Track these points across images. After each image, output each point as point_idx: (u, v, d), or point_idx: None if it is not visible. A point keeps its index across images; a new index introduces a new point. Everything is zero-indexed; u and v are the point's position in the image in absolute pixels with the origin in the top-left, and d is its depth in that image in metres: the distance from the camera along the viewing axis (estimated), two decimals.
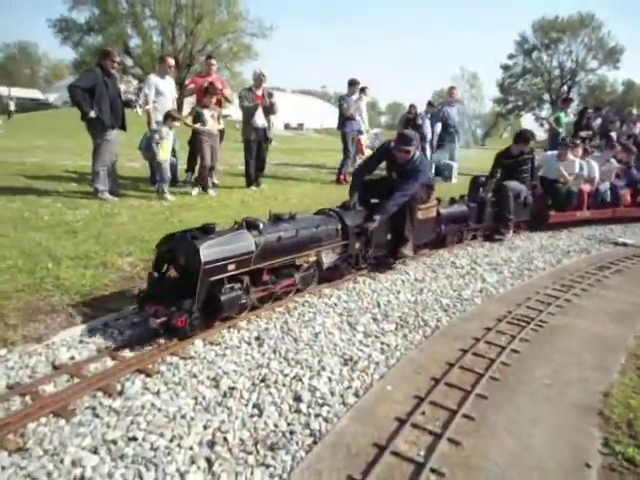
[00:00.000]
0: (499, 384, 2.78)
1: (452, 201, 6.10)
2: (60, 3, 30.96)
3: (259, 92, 7.53)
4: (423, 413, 2.44)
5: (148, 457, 2.02)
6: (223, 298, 3.03)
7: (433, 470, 2.02)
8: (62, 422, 2.21)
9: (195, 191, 7.11)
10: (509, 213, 6.53)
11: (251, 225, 3.36)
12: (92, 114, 5.93)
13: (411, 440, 2.24)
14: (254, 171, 7.91)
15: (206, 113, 6.89)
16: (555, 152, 8.03)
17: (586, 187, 7.93)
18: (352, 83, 9.01)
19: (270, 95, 7.54)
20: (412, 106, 10.24)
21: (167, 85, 7.13)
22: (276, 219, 3.65)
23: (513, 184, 6.64)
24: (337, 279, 4.23)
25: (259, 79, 7.52)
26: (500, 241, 6.41)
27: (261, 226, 3.37)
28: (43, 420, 2.22)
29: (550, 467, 2.11)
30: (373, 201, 4.76)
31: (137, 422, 2.24)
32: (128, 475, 1.92)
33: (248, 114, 7.52)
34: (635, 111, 11.52)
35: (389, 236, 4.74)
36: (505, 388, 2.75)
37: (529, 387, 2.78)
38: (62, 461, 1.97)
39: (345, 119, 9.04)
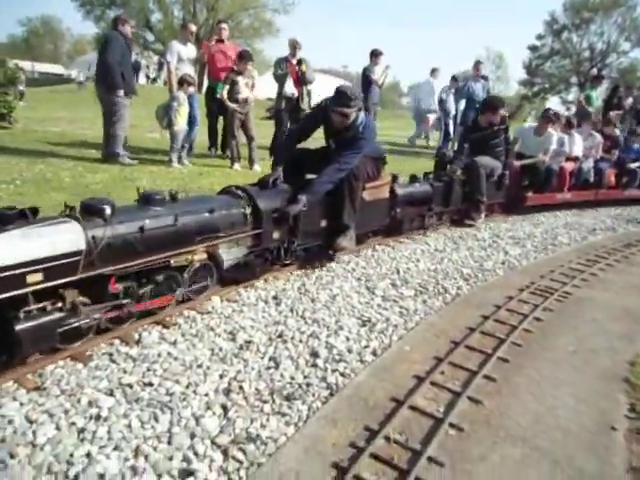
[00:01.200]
0: (521, 350, 2.70)
1: (413, 179, 5.01)
2: None
3: (293, 61, 7.35)
4: (442, 373, 2.38)
5: (164, 401, 2.01)
6: (19, 328, 2.00)
7: (452, 425, 1.97)
8: (80, 366, 2.22)
9: (237, 165, 6.95)
10: (481, 194, 5.56)
11: (91, 210, 2.36)
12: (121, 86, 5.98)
13: (430, 397, 2.18)
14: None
15: (240, 80, 6.68)
16: (533, 124, 7.17)
17: (568, 165, 7.03)
18: (376, 54, 8.79)
19: (299, 63, 7.26)
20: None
21: (189, 52, 7.04)
22: (146, 201, 2.65)
23: (485, 160, 5.65)
24: (249, 280, 3.27)
25: (293, 47, 7.32)
26: (471, 226, 5.50)
27: (107, 212, 2.36)
28: (61, 363, 2.22)
29: (574, 429, 2.04)
30: (309, 177, 3.68)
31: (153, 369, 2.23)
32: (143, 417, 1.91)
33: (279, 83, 7.39)
34: None
35: (323, 222, 3.67)
36: (528, 353, 2.67)
37: (553, 353, 2.70)
38: (79, 401, 1.97)
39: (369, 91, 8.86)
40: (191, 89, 6.53)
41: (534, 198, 6.57)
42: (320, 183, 3.49)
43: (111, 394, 2.04)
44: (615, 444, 1.96)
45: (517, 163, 6.51)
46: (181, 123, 6.41)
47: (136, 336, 2.50)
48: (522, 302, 3.38)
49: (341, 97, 3.44)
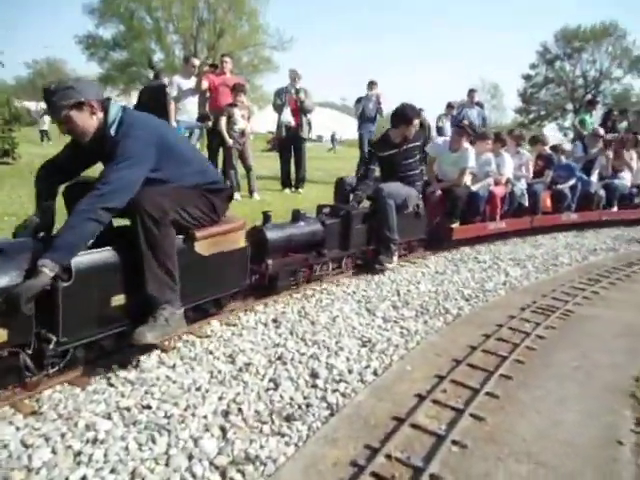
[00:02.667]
0: (524, 367, 2.67)
1: (295, 217, 3.79)
2: (88, 20, 31.58)
3: (293, 91, 7.52)
4: (444, 391, 2.35)
5: (162, 424, 1.98)
6: None
7: (455, 442, 1.93)
8: (77, 390, 2.20)
9: (237, 195, 7.04)
10: (390, 231, 4.30)
11: None
12: None
13: (432, 415, 2.15)
14: (288, 173, 7.97)
15: (237, 113, 6.85)
16: (447, 138, 6.05)
17: (499, 189, 5.98)
18: (371, 83, 9.01)
19: (297, 92, 7.43)
20: (420, 109, 10.09)
21: (189, 85, 7.21)
22: None
23: (394, 187, 4.44)
24: None
25: (292, 78, 7.51)
26: (381, 272, 4.25)
27: None
28: (58, 388, 2.21)
29: (580, 443, 2.00)
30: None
31: (151, 392, 2.21)
32: (141, 439, 1.88)
33: (278, 113, 7.56)
34: None
35: (119, 298, 2.31)
36: (531, 370, 2.63)
37: (556, 370, 2.66)
38: (76, 424, 1.94)
39: (362, 121, 9.04)
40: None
41: (461, 230, 5.43)
42: (68, 232, 2.10)
43: (109, 417, 2.01)
44: (622, 458, 1.91)
45: (437, 187, 5.46)
46: None
47: (134, 361, 2.49)
48: (524, 320, 3.36)
49: (46, 94, 2.24)
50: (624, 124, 10.90)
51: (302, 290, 3.67)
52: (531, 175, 6.85)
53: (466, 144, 5.44)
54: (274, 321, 3.11)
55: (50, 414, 2.00)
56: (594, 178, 7.83)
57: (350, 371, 2.52)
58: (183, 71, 7.42)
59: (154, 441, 1.88)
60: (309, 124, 7.63)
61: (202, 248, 2.69)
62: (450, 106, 10.18)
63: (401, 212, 4.48)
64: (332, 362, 2.60)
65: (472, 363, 2.64)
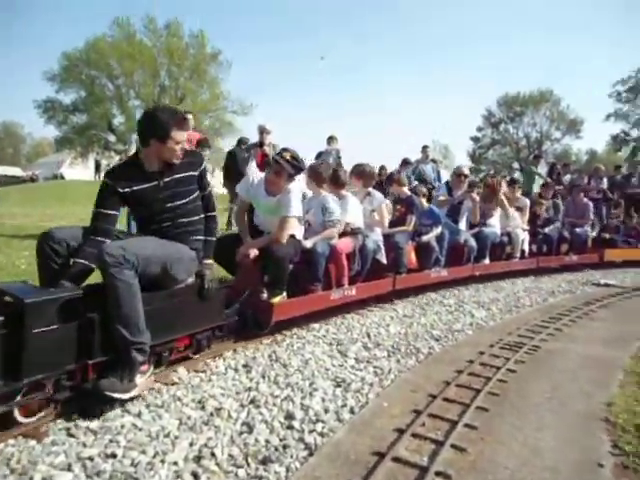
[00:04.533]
0: (499, 398, 2.67)
1: None
2: (47, 85, 31.70)
3: (264, 148, 7.43)
4: (423, 424, 2.31)
5: (128, 472, 1.84)
6: None
7: (438, 473, 1.88)
8: (33, 442, 2.02)
9: None
10: (127, 328, 2.34)
11: None
12: None
13: (412, 448, 2.09)
14: None
15: None
16: (262, 174, 3.98)
17: (344, 243, 4.31)
18: (330, 138, 9.17)
19: (260, 145, 7.43)
20: (382, 167, 10.41)
21: None
22: None
23: (138, 247, 2.49)
24: None
25: (261, 132, 7.46)
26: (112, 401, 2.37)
27: None
28: (11, 442, 2.02)
29: (562, 468, 1.99)
30: None
31: (116, 440, 2.06)
32: None
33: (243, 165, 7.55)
34: (602, 167, 12.10)
35: None
36: (505, 401, 2.63)
37: (530, 400, 2.67)
38: (31, 479, 1.77)
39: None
40: None
41: (287, 306, 3.60)
42: None
43: (69, 469, 1.85)
44: (604, 479, 1.91)
45: (249, 247, 3.68)
46: None
47: (96, 410, 2.33)
48: (494, 356, 3.39)
49: None
50: (567, 177, 11.64)
51: (272, 335, 3.59)
52: (386, 223, 5.25)
53: (289, 184, 3.73)
54: (244, 366, 3.01)
55: (2, 470, 1.82)
56: (462, 225, 6.45)
57: (326, 411, 2.45)
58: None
59: None
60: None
61: None
62: (405, 162, 10.65)
63: (161, 288, 2.63)
64: (307, 403, 2.52)
65: (448, 397, 2.62)
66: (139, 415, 2.31)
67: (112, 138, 32.97)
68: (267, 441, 2.14)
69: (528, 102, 41.59)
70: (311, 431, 2.24)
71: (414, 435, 2.18)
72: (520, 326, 4.28)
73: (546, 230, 7.83)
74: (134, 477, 1.81)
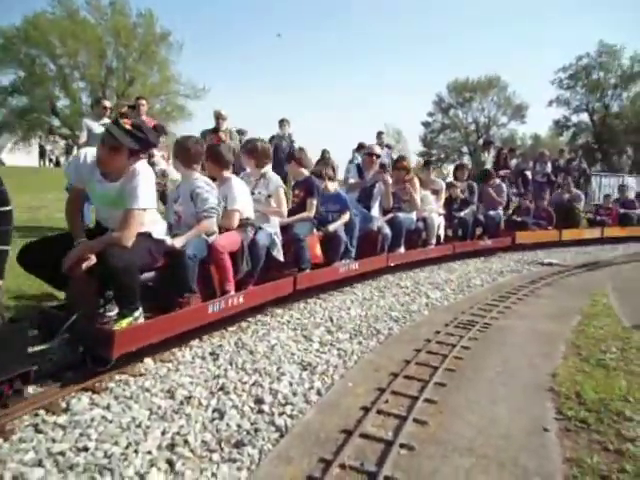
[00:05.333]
0: (455, 374, 2.85)
1: None
2: None
3: (220, 134, 7.28)
4: (386, 401, 2.44)
5: (102, 464, 1.86)
6: None
7: (403, 445, 2.01)
8: (0, 441, 2.00)
9: None
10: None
11: None
12: None
13: (378, 424, 2.22)
14: None
15: (156, 153, 6.70)
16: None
17: (227, 239, 3.48)
18: (282, 121, 8.90)
19: (215, 131, 7.29)
20: (325, 151, 9.90)
21: (101, 127, 7.01)
22: None
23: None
24: None
25: (217, 118, 7.32)
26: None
27: None
28: None
29: (513, 434, 2.17)
30: None
31: (87, 434, 2.06)
32: None
33: None
34: (547, 152, 12.71)
35: None
36: (461, 377, 2.81)
37: (483, 374, 2.87)
38: (1, 477, 1.76)
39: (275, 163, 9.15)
40: None
41: (136, 333, 2.68)
42: None
43: (40, 464, 1.85)
44: (550, 442, 2.11)
45: (83, 252, 2.66)
46: None
47: (63, 404, 2.31)
48: (449, 335, 3.58)
49: None
50: (514, 161, 12.15)
51: (237, 323, 3.63)
52: (285, 212, 4.29)
53: (138, 165, 2.81)
54: (211, 354, 3.04)
55: None
56: (375, 212, 5.79)
57: (294, 394, 2.54)
58: (93, 113, 7.22)
59: None
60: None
61: None
62: (361, 146, 10.78)
63: None
64: (275, 387, 2.60)
65: (408, 375, 2.77)
66: (108, 407, 2.31)
67: (57, 122, 31.30)
68: (239, 426, 2.21)
69: (477, 88, 42.74)
70: (281, 414, 2.32)
71: (379, 412, 2.31)
72: (472, 305, 4.52)
73: (461, 214, 7.50)
74: (108, 468, 1.83)
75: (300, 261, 4.31)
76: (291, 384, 2.66)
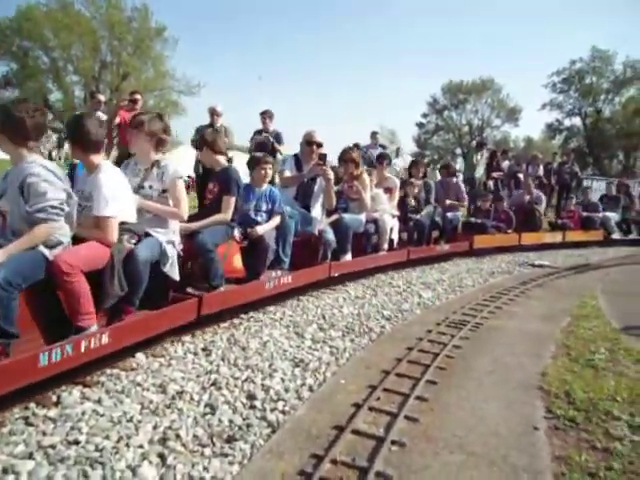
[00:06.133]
0: (446, 372, 2.87)
1: None
2: None
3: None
4: (378, 399, 2.45)
5: (93, 457, 1.86)
6: None
7: (394, 442, 2.03)
8: None
9: None
10: None
11: None
12: None
13: (369, 421, 2.23)
14: None
15: None
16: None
17: (76, 255, 2.43)
18: (264, 113, 8.02)
19: (210, 126, 7.13)
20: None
21: None
22: None
23: None
24: None
25: (211, 114, 7.16)
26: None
27: None
28: None
29: (503, 432, 2.19)
30: None
31: (78, 427, 2.06)
32: (71, 475, 1.75)
33: (196, 149, 7.29)
34: (540, 155, 12.83)
35: None
36: (452, 375, 2.84)
37: (474, 373, 2.89)
38: None
39: None
40: None
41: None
42: None
43: (30, 457, 1.84)
44: (539, 440, 2.13)
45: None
46: None
47: (54, 398, 2.30)
48: (441, 334, 3.60)
49: None
50: (506, 163, 12.23)
51: (229, 319, 3.63)
52: (184, 212, 3.13)
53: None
54: (204, 349, 3.04)
55: None
56: (316, 212, 4.83)
57: (287, 390, 2.55)
58: (87, 107, 7.16)
59: (86, 476, 1.76)
60: (229, 161, 7.43)
61: None
62: (356, 146, 10.81)
63: None
64: (268, 383, 2.60)
65: (400, 372, 2.79)
66: (99, 401, 2.30)
67: (49, 115, 31.01)
68: (231, 421, 2.21)
69: (471, 90, 42.92)
70: (273, 410, 2.33)
71: (370, 409, 2.32)
72: (464, 305, 4.55)
73: (418, 216, 6.71)
74: (100, 462, 1.83)
75: (210, 277, 3.40)
76: (283, 380, 2.67)
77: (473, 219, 8.47)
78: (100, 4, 31.00)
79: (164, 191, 3.06)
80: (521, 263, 7.65)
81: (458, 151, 45.56)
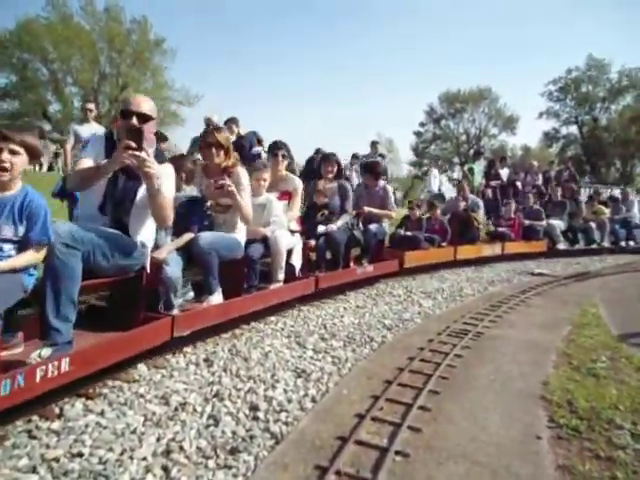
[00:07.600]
0: (448, 382, 2.87)
1: None
2: None
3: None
4: (381, 409, 2.45)
5: (97, 470, 1.86)
6: None
7: (398, 452, 2.03)
8: None
9: None
10: None
11: None
12: None
13: (373, 431, 2.23)
14: None
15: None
16: None
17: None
18: (229, 121, 7.81)
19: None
20: (318, 150, 9.19)
21: (87, 131, 6.92)
22: None
23: None
24: None
25: (207, 125, 6.99)
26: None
27: None
28: None
29: (506, 442, 2.19)
30: None
31: (81, 440, 2.06)
32: None
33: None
34: (536, 164, 12.90)
35: None
36: (454, 385, 2.84)
37: (476, 382, 2.89)
38: None
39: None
40: None
41: None
42: None
43: (34, 471, 1.84)
44: (542, 450, 2.13)
45: None
46: None
47: (57, 410, 2.30)
48: (442, 343, 3.61)
49: None
50: (505, 171, 12.29)
51: (231, 330, 3.63)
52: None
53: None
54: (205, 360, 3.04)
55: None
56: (145, 233, 2.97)
57: (289, 401, 2.54)
58: (81, 118, 7.18)
59: None
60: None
61: None
62: (355, 156, 10.88)
63: None
64: (270, 394, 2.60)
65: (402, 382, 2.79)
66: (102, 414, 2.30)
67: (47, 126, 31.13)
68: (234, 432, 2.21)
69: (468, 99, 43.22)
70: (276, 421, 2.33)
71: (373, 419, 2.32)
72: (464, 314, 4.55)
73: (329, 228, 5.00)
74: (104, 475, 1.83)
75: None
76: (286, 391, 2.67)
77: (402, 231, 7.02)
78: (100, 17, 31.34)
79: None
80: (520, 272, 7.67)
81: (456, 160, 45.75)
